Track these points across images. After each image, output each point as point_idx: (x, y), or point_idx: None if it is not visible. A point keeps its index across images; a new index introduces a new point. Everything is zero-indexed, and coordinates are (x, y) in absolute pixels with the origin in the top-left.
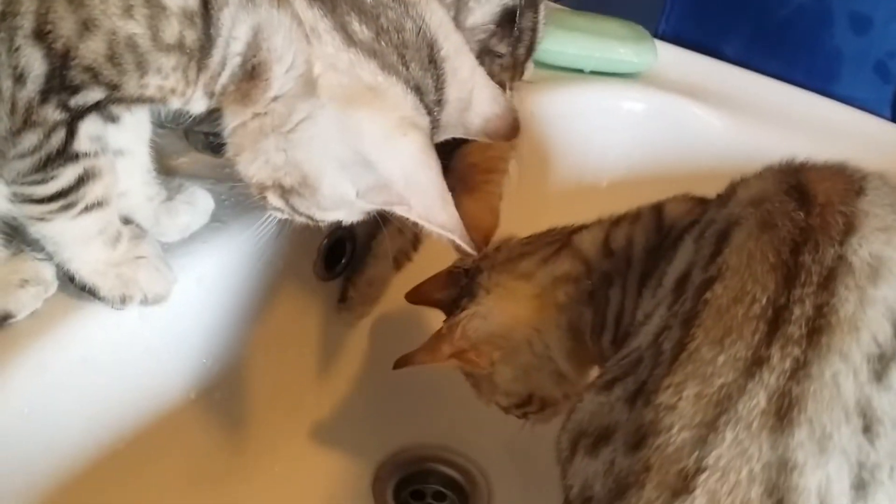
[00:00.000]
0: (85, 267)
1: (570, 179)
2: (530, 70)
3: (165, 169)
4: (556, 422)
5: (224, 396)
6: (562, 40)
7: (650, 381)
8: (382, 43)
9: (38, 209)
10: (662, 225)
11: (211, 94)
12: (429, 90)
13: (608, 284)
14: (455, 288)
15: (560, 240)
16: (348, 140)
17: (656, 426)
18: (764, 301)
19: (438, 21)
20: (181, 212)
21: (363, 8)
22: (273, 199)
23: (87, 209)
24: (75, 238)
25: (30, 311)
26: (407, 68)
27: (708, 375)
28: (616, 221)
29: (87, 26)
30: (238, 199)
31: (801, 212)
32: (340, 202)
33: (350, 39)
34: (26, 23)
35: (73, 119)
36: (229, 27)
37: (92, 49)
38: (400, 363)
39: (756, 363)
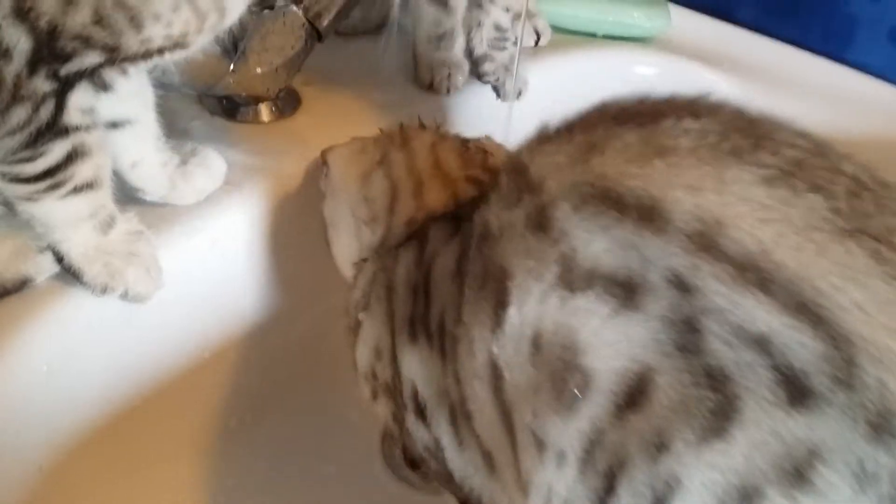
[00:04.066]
0: (75, 249)
1: None
2: (548, 35)
3: (178, 133)
4: None
5: (237, 357)
6: (575, 4)
7: None
8: None
9: (25, 189)
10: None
11: None
12: None
13: None
14: None
15: None
16: None
17: None
18: None
19: None
20: (196, 175)
21: None
22: None
23: (77, 190)
24: (65, 220)
25: (48, 275)
26: None
27: None
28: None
29: (70, 1)
30: (251, 163)
31: None
32: None
33: None
34: (5, 1)
35: (63, 89)
36: None
37: (78, 21)
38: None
39: None
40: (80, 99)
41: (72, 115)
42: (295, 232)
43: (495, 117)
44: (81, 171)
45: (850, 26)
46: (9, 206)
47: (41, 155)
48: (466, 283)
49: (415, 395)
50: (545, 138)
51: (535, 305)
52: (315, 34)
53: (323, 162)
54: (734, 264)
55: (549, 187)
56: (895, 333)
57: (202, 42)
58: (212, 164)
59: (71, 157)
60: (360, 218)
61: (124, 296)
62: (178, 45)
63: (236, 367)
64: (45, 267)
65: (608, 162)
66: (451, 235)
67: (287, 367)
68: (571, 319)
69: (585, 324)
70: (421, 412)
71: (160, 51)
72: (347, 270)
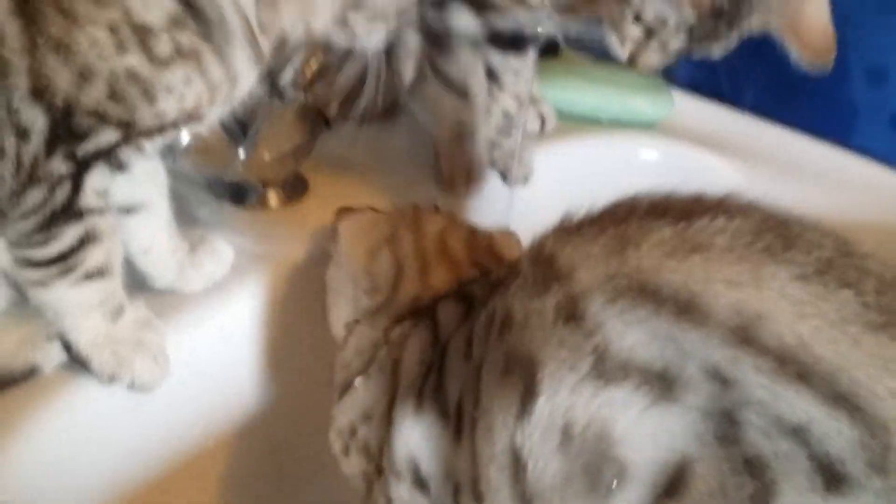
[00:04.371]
0: (84, 337)
1: None
2: (553, 121)
3: (186, 219)
4: None
5: (242, 444)
6: (579, 90)
7: None
8: None
9: (37, 273)
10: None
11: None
12: None
13: None
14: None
15: None
16: None
17: None
18: None
19: None
20: (205, 263)
21: None
22: (342, 36)
23: (88, 277)
24: (75, 307)
25: (56, 363)
26: None
27: None
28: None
29: (84, 76)
30: (259, 249)
31: None
32: None
33: None
34: (22, 82)
35: (79, 171)
36: None
37: (93, 96)
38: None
39: None
40: (97, 180)
41: (88, 197)
42: (301, 319)
43: (501, 200)
44: (93, 256)
45: (851, 112)
46: (20, 292)
47: (54, 238)
48: (485, 369)
49: (413, 466)
50: (571, 229)
51: (567, 396)
52: (323, 121)
53: (335, 224)
54: (775, 357)
55: (580, 278)
56: None
57: (216, 114)
58: (219, 251)
59: (83, 242)
60: (362, 288)
61: (131, 385)
62: (192, 117)
63: (240, 456)
64: (53, 356)
65: (644, 255)
66: (463, 318)
67: (291, 455)
68: (606, 410)
69: (621, 415)
70: (420, 482)
71: (174, 124)
72: (336, 323)
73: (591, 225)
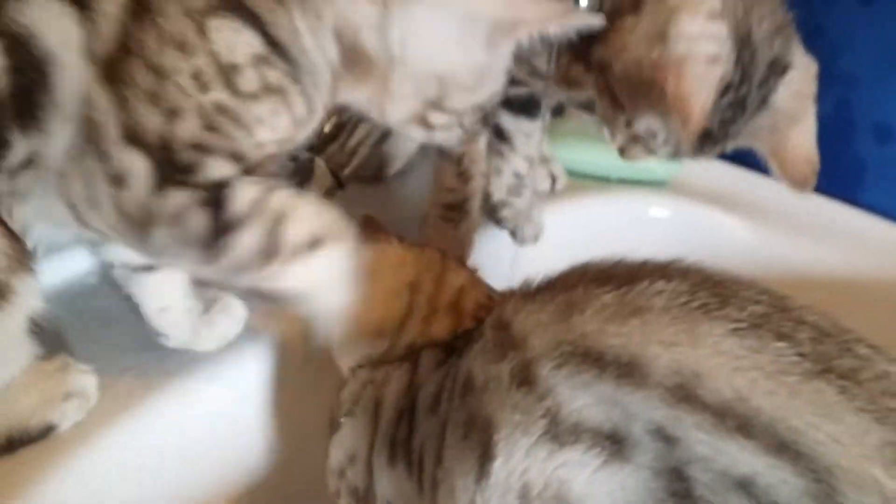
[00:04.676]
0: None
1: None
2: (563, 180)
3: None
4: None
5: (253, 502)
6: (588, 149)
7: None
8: None
9: (251, 275)
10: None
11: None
12: None
13: None
14: None
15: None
16: (444, 17)
17: None
18: None
19: None
20: (218, 322)
21: None
22: (420, 132)
23: (308, 247)
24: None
25: (72, 422)
26: None
27: None
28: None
29: (173, 113)
30: (272, 307)
31: None
32: (478, 68)
33: None
34: (112, 132)
35: (210, 194)
36: (313, 41)
37: (188, 129)
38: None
39: None
40: (244, 192)
41: (241, 205)
42: (314, 377)
43: (505, 259)
44: (290, 230)
45: (859, 170)
46: (47, 346)
47: (230, 247)
48: (449, 429)
49: None
50: (527, 295)
51: (522, 458)
52: (336, 181)
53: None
54: (714, 413)
55: (532, 345)
56: (872, 460)
57: (291, 146)
58: (233, 311)
59: (274, 225)
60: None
61: None
62: (277, 150)
63: None
64: (69, 414)
65: (588, 321)
66: (438, 366)
67: None
68: (561, 472)
69: (576, 476)
70: None
71: (274, 157)
72: (342, 364)
73: (545, 291)
